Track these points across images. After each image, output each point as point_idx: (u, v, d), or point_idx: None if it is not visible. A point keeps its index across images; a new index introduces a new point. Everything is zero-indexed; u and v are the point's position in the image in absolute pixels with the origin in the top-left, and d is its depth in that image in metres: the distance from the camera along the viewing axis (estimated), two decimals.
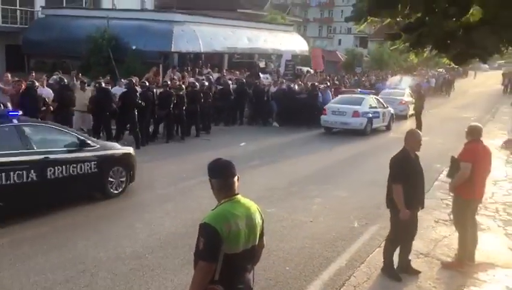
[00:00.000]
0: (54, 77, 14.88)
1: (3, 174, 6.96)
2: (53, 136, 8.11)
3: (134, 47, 20.28)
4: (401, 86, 26.97)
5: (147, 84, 14.56)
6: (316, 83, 20.60)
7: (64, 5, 26.98)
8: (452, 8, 3.00)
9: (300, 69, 30.88)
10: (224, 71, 23.38)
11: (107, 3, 27.95)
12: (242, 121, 18.91)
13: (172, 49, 21.69)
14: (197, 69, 22.48)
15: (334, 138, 16.74)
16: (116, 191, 8.65)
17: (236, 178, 3.09)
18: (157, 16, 24.42)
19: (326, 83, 21.99)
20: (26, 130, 7.63)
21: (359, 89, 21.96)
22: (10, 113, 7.85)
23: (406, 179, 5.52)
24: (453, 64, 3.77)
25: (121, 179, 8.78)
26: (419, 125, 17.96)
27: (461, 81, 49.03)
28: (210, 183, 3.13)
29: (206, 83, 17.25)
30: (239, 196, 3.09)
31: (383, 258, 5.97)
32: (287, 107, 18.70)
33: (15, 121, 7.54)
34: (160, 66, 21.37)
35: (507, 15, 2.99)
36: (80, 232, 6.95)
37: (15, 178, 7.10)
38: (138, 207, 8.30)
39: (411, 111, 20.90)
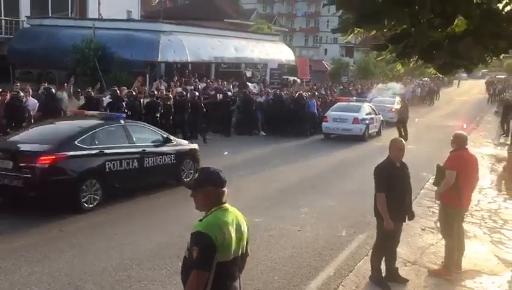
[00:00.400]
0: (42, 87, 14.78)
1: (117, 162, 8.95)
2: (146, 134, 10.07)
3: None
4: (388, 94, 27.67)
5: (134, 93, 14.54)
6: (303, 93, 20.74)
7: (50, 14, 26.82)
8: (437, 19, 3.05)
9: (287, 79, 31.08)
10: (210, 81, 23.40)
11: (93, 13, 27.84)
12: (229, 130, 18.88)
13: (159, 59, 21.67)
14: (183, 79, 22.44)
15: (321, 146, 16.83)
16: (186, 179, 10.34)
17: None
18: (143, 25, 24.43)
19: (314, 92, 22.20)
20: (129, 128, 9.65)
21: (355, 97, 22.48)
22: (118, 115, 10.08)
23: (390, 188, 5.53)
24: (439, 74, 3.83)
25: (190, 170, 10.59)
26: (405, 134, 18.14)
27: (446, 90, 49.66)
28: (198, 192, 3.08)
29: (197, 93, 17.27)
30: (227, 204, 3.11)
31: (370, 267, 5.98)
32: (274, 116, 18.84)
33: (122, 122, 9.66)
34: (147, 75, 21.32)
35: (491, 26, 3.05)
36: (64, 244, 6.86)
37: (124, 165, 9.10)
38: (123, 219, 8.23)
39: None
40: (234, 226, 3.02)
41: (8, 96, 11.77)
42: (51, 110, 12.01)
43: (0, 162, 8.09)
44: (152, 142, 9.91)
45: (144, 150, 9.57)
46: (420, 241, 7.58)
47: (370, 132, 18.94)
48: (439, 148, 16.79)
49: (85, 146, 8.50)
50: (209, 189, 3.04)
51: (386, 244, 5.83)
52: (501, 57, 3.49)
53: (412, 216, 5.93)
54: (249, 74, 28.07)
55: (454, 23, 3.20)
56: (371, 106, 19.92)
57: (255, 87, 23.65)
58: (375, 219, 5.84)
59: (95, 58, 19.85)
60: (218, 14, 39.77)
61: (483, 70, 63.90)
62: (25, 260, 6.22)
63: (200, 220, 3.02)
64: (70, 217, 7.97)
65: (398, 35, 3.29)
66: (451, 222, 6.22)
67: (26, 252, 6.47)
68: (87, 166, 8.51)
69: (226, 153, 14.83)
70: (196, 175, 3.16)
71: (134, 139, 9.52)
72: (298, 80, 30.63)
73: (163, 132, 10.75)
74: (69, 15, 26.77)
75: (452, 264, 6.22)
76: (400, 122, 18.88)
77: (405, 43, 3.30)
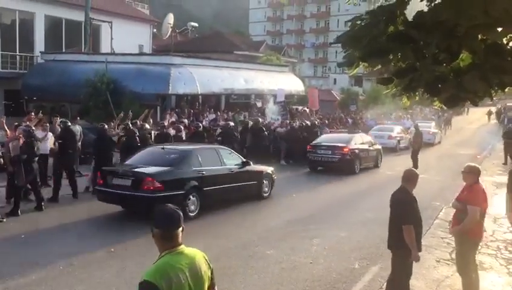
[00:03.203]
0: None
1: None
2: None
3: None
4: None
5: (146, 126, 14.64)
6: (316, 121, 21.52)
7: (64, 50, 27.47)
8: (442, 54, 3.09)
9: (296, 109, 31.25)
10: (219, 112, 23.64)
11: (106, 47, 28.48)
12: None
13: (170, 91, 21.95)
14: (192, 111, 22.67)
15: (329, 176, 16.74)
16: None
17: (180, 229, 2.87)
18: (154, 59, 24.84)
19: (325, 121, 22.69)
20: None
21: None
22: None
23: (414, 219, 5.48)
24: (445, 107, 3.85)
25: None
26: (415, 163, 18.03)
27: (456, 119, 49.47)
28: (153, 236, 2.88)
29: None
30: (182, 247, 2.87)
31: None
32: (291, 145, 19.43)
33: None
34: (158, 108, 21.56)
35: (495, 61, 3.08)
36: (74, 279, 6.83)
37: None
38: (135, 250, 8.21)
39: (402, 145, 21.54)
40: (187, 271, 2.79)
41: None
42: (66, 143, 12.10)
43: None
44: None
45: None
46: (435, 273, 7.44)
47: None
48: (451, 177, 16.65)
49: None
50: (156, 232, 2.84)
51: (402, 277, 5.71)
52: (505, 90, 3.51)
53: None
54: (259, 104, 28.22)
55: (459, 58, 3.24)
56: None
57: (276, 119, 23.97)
58: (390, 251, 5.73)
59: (107, 91, 20.18)
60: (227, 47, 40.39)
61: (494, 98, 63.60)
62: None
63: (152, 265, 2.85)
64: (79, 251, 7.96)
65: (404, 70, 3.33)
66: (468, 256, 6.09)
67: (37, 287, 6.45)
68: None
69: None
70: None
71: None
72: (307, 110, 30.80)
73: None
74: (82, 50, 27.37)
75: None
76: (416, 150, 18.84)
77: (410, 77, 3.34)
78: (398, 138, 24.82)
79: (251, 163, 12.48)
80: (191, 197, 10.25)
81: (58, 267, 7.23)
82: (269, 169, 13.22)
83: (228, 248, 8.22)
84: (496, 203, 13.10)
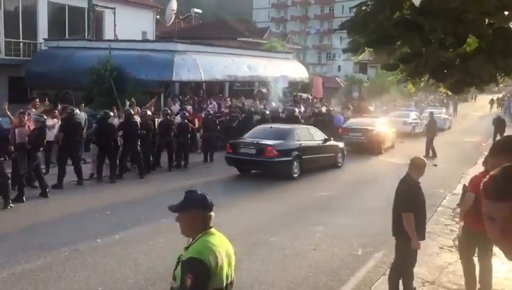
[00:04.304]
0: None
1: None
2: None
3: None
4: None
5: (148, 113, 14.64)
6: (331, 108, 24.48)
7: (67, 36, 27.37)
8: (449, 38, 3.04)
9: (301, 96, 31.13)
10: (226, 99, 23.62)
11: (109, 34, 28.34)
12: None
13: (174, 78, 21.89)
14: (195, 98, 22.66)
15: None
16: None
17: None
18: (158, 45, 24.71)
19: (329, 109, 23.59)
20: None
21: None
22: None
23: (416, 207, 5.47)
24: (450, 93, 3.80)
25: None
26: (432, 151, 17.97)
27: (462, 105, 49.17)
28: (184, 217, 2.92)
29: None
30: (213, 229, 2.96)
31: (388, 287, 5.88)
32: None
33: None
34: (162, 95, 21.53)
35: (502, 45, 3.03)
36: (79, 264, 6.88)
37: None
38: (139, 239, 8.25)
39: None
40: (223, 252, 2.88)
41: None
42: (71, 130, 12.10)
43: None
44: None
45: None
46: (438, 260, 7.45)
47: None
48: (456, 164, 16.62)
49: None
50: (196, 213, 2.89)
51: (405, 265, 5.72)
52: None
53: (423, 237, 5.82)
54: (264, 90, 28.10)
55: (466, 42, 3.19)
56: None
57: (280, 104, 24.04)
58: (394, 238, 5.74)
59: (111, 78, 20.14)
60: (231, 33, 40.16)
61: (500, 85, 63.03)
62: (41, 281, 6.25)
63: (187, 247, 2.89)
64: (83, 238, 8.01)
65: (409, 55, 3.29)
66: (470, 246, 6.01)
67: (42, 273, 6.51)
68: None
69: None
70: (183, 197, 2.97)
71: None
72: (310, 97, 30.73)
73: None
74: (86, 37, 27.26)
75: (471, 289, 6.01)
76: (430, 139, 18.68)
77: (416, 62, 3.30)
78: (413, 124, 26.37)
79: (331, 139, 15.78)
80: (295, 162, 13.78)
81: (63, 253, 7.28)
82: (341, 144, 16.36)
83: (232, 235, 8.18)
84: None
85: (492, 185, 1.39)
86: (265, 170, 13.95)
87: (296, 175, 13.72)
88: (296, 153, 13.80)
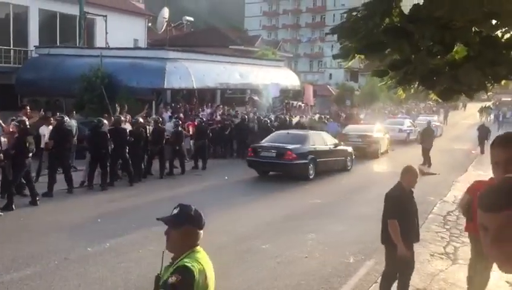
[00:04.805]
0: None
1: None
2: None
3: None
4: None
5: (140, 120, 14.60)
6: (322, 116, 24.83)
7: (58, 44, 27.29)
8: (437, 46, 3.08)
9: (292, 104, 31.24)
10: (218, 107, 23.64)
11: (101, 41, 28.31)
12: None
13: (165, 86, 21.87)
14: (187, 105, 22.66)
15: (326, 172, 16.75)
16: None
17: None
18: (150, 53, 24.72)
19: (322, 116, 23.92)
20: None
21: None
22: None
23: (402, 215, 5.47)
24: (440, 100, 3.84)
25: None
26: (428, 161, 17.88)
27: (452, 113, 49.56)
28: (176, 230, 2.74)
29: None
30: (200, 247, 2.81)
31: None
32: None
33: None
34: (153, 102, 21.49)
35: (490, 53, 3.07)
36: (70, 273, 6.81)
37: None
38: (129, 247, 8.19)
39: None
40: (210, 273, 2.73)
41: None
42: (62, 138, 12.02)
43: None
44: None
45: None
46: (429, 267, 7.47)
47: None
48: (447, 171, 16.71)
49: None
50: (189, 229, 2.75)
51: (397, 272, 5.72)
52: (502, 83, 3.50)
53: (417, 240, 5.89)
54: (255, 98, 28.16)
55: (454, 50, 3.23)
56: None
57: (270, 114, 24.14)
58: (384, 246, 5.75)
59: (102, 86, 20.08)
60: (223, 41, 40.26)
61: (489, 93, 63.46)
62: None
63: (170, 267, 2.76)
64: (74, 246, 7.94)
65: (398, 62, 3.32)
66: (473, 253, 6.02)
67: (32, 282, 6.44)
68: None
69: (226, 177, 14.88)
70: (176, 211, 2.79)
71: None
72: (302, 105, 30.85)
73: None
74: (77, 44, 27.19)
75: None
76: (428, 149, 18.19)
77: (405, 69, 3.33)
78: (408, 131, 27.31)
79: (342, 144, 17.10)
80: (310, 164, 14.89)
81: (53, 261, 7.21)
82: (350, 149, 17.46)
83: (224, 243, 8.22)
84: None
85: (486, 196, 1.40)
86: (284, 171, 15.18)
87: (312, 176, 14.98)
88: (312, 156, 14.99)
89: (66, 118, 13.06)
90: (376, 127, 22.27)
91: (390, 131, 23.75)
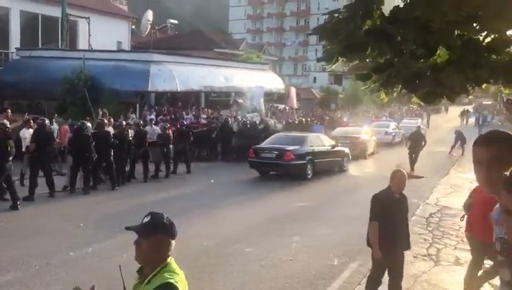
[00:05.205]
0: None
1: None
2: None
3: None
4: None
5: (123, 123, 14.49)
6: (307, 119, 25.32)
7: (40, 46, 26.95)
8: (419, 49, 3.11)
9: (277, 107, 31.31)
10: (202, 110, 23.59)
11: (83, 44, 28.03)
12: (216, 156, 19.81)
13: (149, 89, 21.74)
14: (171, 108, 22.57)
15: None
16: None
17: None
18: (133, 56, 24.55)
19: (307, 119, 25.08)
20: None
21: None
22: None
23: (385, 218, 5.42)
24: (422, 103, 3.88)
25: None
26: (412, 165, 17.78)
27: (433, 117, 50.18)
28: (147, 240, 2.51)
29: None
30: (171, 258, 2.59)
31: None
32: None
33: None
34: (137, 105, 21.34)
35: (472, 56, 3.12)
36: (51, 279, 6.71)
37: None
38: (114, 250, 8.10)
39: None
40: (185, 280, 2.56)
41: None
42: (43, 141, 11.85)
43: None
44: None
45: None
46: (412, 269, 7.52)
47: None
48: (429, 174, 16.89)
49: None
50: (163, 239, 2.51)
51: (380, 275, 5.70)
52: (483, 86, 3.55)
53: (407, 248, 5.83)
54: (240, 101, 28.17)
55: (437, 54, 3.27)
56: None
57: (256, 116, 24.04)
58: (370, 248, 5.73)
59: (85, 88, 19.87)
60: (207, 44, 40.21)
61: (470, 97, 64.43)
62: None
63: (143, 282, 2.55)
64: (55, 251, 7.83)
65: (382, 65, 3.35)
66: (472, 258, 6.05)
67: (12, 287, 6.32)
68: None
69: (212, 181, 14.84)
70: (147, 219, 2.57)
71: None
72: (287, 108, 30.94)
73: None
74: (59, 46, 26.89)
75: None
76: (416, 155, 17.96)
77: (388, 72, 3.36)
78: (393, 134, 27.88)
79: (339, 145, 17.67)
80: (308, 165, 15.59)
81: (34, 267, 7.09)
82: (347, 150, 18.09)
83: (207, 246, 8.18)
84: None
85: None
86: (284, 171, 15.79)
87: (310, 176, 15.62)
88: (310, 157, 15.68)
89: (47, 121, 12.89)
90: (363, 130, 23.11)
91: (377, 133, 24.36)
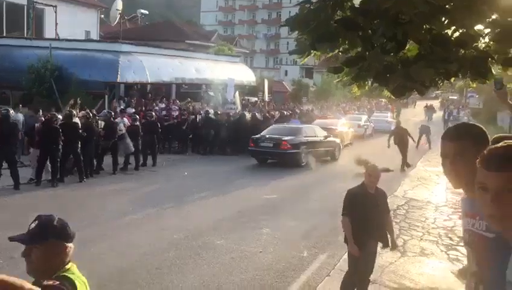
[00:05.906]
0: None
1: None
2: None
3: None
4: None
5: (91, 114, 14.19)
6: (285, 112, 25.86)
7: (5, 34, 26.10)
8: (389, 43, 3.15)
9: (248, 99, 31.29)
10: (173, 101, 23.35)
11: (50, 33, 27.30)
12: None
13: (119, 80, 21.37)
14: (142, 100, 22.26)
15: (280, 167, 16.92)
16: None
17: None
18: (102, 46, 24.05)
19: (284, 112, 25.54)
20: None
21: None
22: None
23: (356, 213, 5.42)
24: (393, 97, 3.93)
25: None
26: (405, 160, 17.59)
27: (402, 111, 51.08)
28: (37, 249, 2.25)
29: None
30: (73, 264, 2.37)
31: None
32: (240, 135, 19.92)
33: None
34: (106, 96, 20.96)
35: (441, 51, 3.17)
36: (19, 273, 6.53)
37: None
38: (82, 244, 7.94)
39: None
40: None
41: None
42: (6, 132, 11.49)
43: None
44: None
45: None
46: (380, 260, 7.61)
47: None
48: (397, 166, 17.21)
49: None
50: (55, 243, 2.25)
51: (355, 271, 5.68)
52: (452, 80, 3.62)
53: (384, 245, 5.75)
54: (211, 94, 28.01)
55: (407, 48, 3.31)
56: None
57: (232, 108, 23.94)
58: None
59: (52, 78, 19.38)
60: (178, 36, 39.76)
61: (437, 92, 65.88)
62: None
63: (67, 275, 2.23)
64: (19, 244, 7.61)
65: (353, 59, 3.37)
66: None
67: None
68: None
69: (185, 173, 14.75)
70: (34, 224, 2.30)
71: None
72: (258, 101, 30.98)
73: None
74: (25, 35, 26.10)
75: None
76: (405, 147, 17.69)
77: (360, 66, 3.39)
78: (365, 127, 29.20)
79: (331, 136, 18.76)
80: (303, 154, 16.83)
81: None
82: (338, 140, 19.38)
83: (177, 239, 8.13)
84: (437, 192, 13.68)
85: (492, 155, 1.52)
86: (280, 159, 17.07)
87: (304, 164, 16.84)
88: (304, 146, 16.94)
89: (12, 111, 12.52)
90: (340, 122, 24.44)
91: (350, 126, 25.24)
